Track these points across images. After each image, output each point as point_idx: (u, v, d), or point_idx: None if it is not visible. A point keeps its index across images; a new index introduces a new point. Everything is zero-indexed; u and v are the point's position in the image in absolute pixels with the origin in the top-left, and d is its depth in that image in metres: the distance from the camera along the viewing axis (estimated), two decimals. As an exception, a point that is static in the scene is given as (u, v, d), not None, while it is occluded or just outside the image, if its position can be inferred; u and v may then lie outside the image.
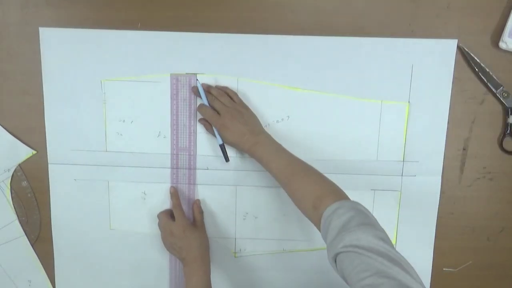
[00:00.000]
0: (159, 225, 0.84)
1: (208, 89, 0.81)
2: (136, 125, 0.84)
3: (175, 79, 0.82)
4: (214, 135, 0.81)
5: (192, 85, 0.82)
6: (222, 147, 0.82)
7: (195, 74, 0.82)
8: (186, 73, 0.82)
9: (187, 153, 0.84)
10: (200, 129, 0.83)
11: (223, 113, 0.78)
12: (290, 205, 0.85)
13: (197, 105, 0.82)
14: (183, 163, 0.84)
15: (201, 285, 0.78)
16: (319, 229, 0.63)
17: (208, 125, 0.81)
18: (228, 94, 0.80)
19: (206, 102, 0.80)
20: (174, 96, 0.82)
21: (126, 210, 0.87)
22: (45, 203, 0.88)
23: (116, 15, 0.81)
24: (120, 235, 0.88)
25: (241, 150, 0.80)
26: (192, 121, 0.83)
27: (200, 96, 0.81)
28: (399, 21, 0.80)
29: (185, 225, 0.81)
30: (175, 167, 0.85)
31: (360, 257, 0.54)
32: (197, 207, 0.85)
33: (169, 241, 0.81)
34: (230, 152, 0.83)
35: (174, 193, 0.84)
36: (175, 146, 0.84)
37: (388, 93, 0.81)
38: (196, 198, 0.86)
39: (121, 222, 0.88)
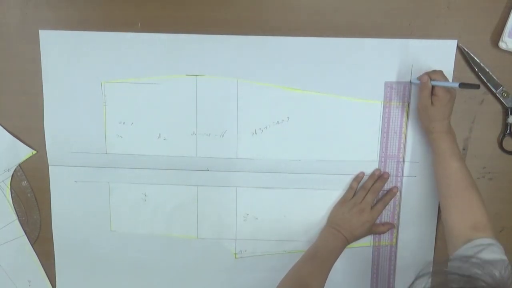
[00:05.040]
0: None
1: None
2: (136, 127, 0.84)
3: (389, 86, 0.81)
4: None
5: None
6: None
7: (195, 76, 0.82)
8: (186, 75, 0.82)
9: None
10: (201, 130, 0.84)
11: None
12: (291, 206, 0.85)
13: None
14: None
15: (339, 250, 0.79)
16: (456, 242, 0.68)
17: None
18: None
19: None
20: (387, 104, 0.82)
21: (126, 211, 0.87)
22: (45, 203, 0.88)
23: (116, 14, 0.81)
24: (121, 237, 0.88)
25: (434, 128, 0.76)
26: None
27: None
28: (399, 21, 0.80)
29: (373, 220, 0.82)
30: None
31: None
32: (387, 227, 0.84)
33: (353, 212, 0.81)
34: (230, 153, 0.84)
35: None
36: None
37: (388, 94, 0.81)
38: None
39: (122, 223, 0.88)
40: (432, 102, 0.74)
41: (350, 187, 0.84)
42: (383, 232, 0.85)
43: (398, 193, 0.84)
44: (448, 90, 0.73)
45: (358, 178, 0.84)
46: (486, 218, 0.69)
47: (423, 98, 0.74)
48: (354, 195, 0.84)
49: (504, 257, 0.63)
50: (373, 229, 0.83)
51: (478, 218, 0.69)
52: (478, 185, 0.83)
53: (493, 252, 0.63)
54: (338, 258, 0.79)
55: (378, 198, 0.84)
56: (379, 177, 0.83)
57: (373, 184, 0.83)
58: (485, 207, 0.71)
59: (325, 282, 0.74)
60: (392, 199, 0.84)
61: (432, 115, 0.74)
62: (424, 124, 0.78)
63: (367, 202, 0.82)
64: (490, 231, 0.68)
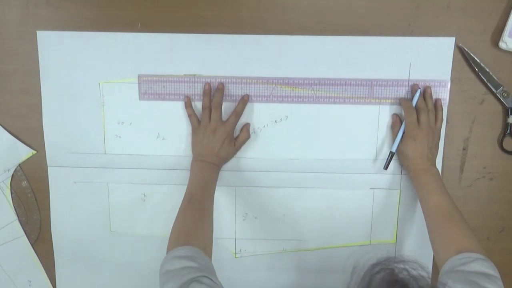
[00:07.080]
0: (204, 117, 0.80)
1: (425, 97, 0.80)
2: (134, 127, 0.84)
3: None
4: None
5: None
6: (391, 155, 0.81)
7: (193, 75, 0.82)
8: (184, 74, 0.82)
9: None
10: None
11: (423, 127, 0.77)
12: (290, 205, 0.85)
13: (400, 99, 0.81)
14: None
15: (212, 180, 0.78)
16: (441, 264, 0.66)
17: (398, 120, 0.81)
18: (436, 117, 0.80)
19: (414, 103, 0.79)
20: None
21: (126, 211, 0.87)
22: (45, 203, 0.88)
23: (116, 14, 0.80)
24: (120, 237, 0.88)
25: (408, 167, 0.79)
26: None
27: None
28: (399, 21, 0.79)
29: (230, 134, 0.79)
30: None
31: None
32: (246, 129, 0.82)
33: (207, 134, 0.78)
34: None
35: (207, 91, 0.80)
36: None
37: (387, 92, 0.81)
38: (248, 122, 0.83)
39: (121, 224, 0.88)
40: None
41: (188, 114, 0.82)
42: (246, 138, 0.82)
43: (397, 191, 0.84)
44: (422, 126, 0.77)
45: (188, 103, 0.82)
46: (473, 244, 0.67)
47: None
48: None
49: (495, 274, 0.61)
50: (237, 143, 0.81)
51: (461, 246, 0.67)
52: (478, 185, 0.84)
53: (482, 266, 0.61)
54: (338, 258, 0.79)
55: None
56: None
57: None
58: (469, 235, 0.69)
59: (212, 217, 0.75)
60: (392, 197, 0.84)
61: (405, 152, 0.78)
62: (399, 159, 0.82)
63: (215, 119, 0.79)
64: (477, 251, 0.65)
